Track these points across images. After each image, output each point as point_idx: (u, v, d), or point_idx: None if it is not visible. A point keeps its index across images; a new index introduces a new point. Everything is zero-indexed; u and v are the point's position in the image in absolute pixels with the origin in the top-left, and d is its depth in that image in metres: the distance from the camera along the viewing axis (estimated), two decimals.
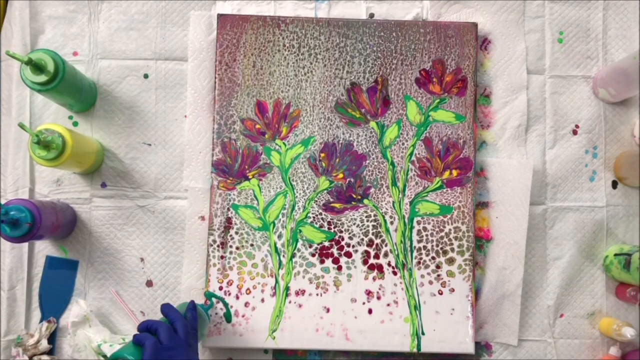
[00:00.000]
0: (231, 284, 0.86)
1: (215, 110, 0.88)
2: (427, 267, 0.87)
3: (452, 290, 0.86)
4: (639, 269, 0.82)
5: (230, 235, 0.86)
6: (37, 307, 0.87)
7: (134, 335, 0.68)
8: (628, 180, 0.90)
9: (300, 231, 0.87)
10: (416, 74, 0.89)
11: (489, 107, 0.91)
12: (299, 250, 0.87)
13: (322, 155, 0.88)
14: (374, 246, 0.87)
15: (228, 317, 0.85)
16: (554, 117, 0.91)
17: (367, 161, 0.88)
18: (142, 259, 0.88)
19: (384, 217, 0.87)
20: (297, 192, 0.87)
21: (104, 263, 0.88)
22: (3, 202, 0.81)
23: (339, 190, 0.87)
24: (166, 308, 0.74)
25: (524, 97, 0.91)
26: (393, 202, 0.87)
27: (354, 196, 0.87)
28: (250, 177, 0.87)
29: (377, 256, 0.87)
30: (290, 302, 0.86)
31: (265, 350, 0.87)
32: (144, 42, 0.91)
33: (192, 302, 0.78)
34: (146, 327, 0.70)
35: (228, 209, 0.87)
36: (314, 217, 0.87)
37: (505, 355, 0.88)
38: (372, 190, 0.87)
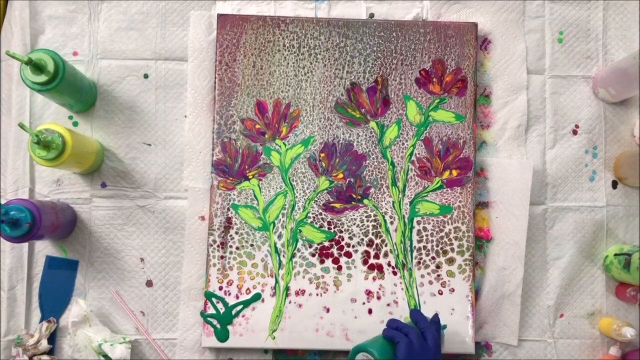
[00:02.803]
0: (231, 284, 0.86)
1: (215, 110, 0.88)
2: (427, 267, 0.87)
3: (452, 290, 0.86)
4: (639, 269, 0.82)
5: (230, 235, 0.86)
6: (37, 307, 0.87)
7: (385, 330, 0.74)
8: (628, 180, 0.90)
9: (300, 231, 0.87)
10: (416, 74, 0.89)
11: (489, 107, 0.91)
12: (299, 250, 0.87)
13: (322, 155, 0.88)
14: (374, 246, 0.87)
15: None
16: (554, 117, 0.91)
17: (367, 161, 0.88)
18: (142, 259, 0.88)
19: (384, 217, 0.87)
20: (297, 192, 0.87)
21: (104, 263, 0.88)
22: (3, 202, 0.81)
23: (339, 190, 0.87)
24: (417, 315, 0.78)
25: (524, 97, 0.91)
26: (393, 202, 0.87)
27: (354, 196, 0.87)
28: (250, 177, 0.87)
29: (377, 256, 0.87)
30: (290, 302, 0.86)
31: (265, 350, 0.87)
32: (144, 42, 0.91)
33: (437, 315, 0.81)
34: (396, 327, 0.74)
35: (228, 209, 0.87)
36: (314, 217, 0.87)
37: (505, 355, 0.88)
38: (372, 190, 0.87)
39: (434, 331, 0.76)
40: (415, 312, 0.79)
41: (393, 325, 0.76)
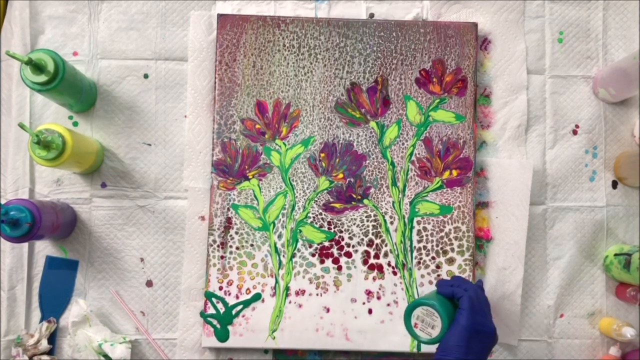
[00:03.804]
0: (231, 284, 0.86)
1: (215, 110, 0.88)
2: (427, 267, 0.87)
3: None
4: (639, 269, 0.82)
5: (230, 235, 0.86)
6: (37, 307, 0.87)
7: (440, 288, 0.75)
8: (628, 180, 0.90)
9: (300, 231, 0.87)
10: (416, 74, 0.89)
11: (489, 107, 0.91)
12: (299, 250, 0.87)
13: (322, 155, 0.88)
14: (374, 246, 0.87)
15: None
16: (554, 117, 0.91)
17: (367, 161, 0.88)
18: (142, 259, 0.88)
19: (384, 217, 0.87)
20: (297, 192, 0.87)
21: (104, 263, 0.88)
22: (3, 202, 0.81)
23: (339, 190, 0.87)
24: (462, 278, 0.78)
25: (524, 97, 0.91)
26: (393, 202, 0.87)
27: (354, 196, 0.87)
28: (250, 177, 0.87)
29: (377, 256, 0.87)
30: (290, 302, 0.86)
31: (266, 350, 0.87)
32: (144, 42, 0.91)
33: (481, 280, 0.84)
34: (452, 285, 0.74)
35: (228, 209, 0.87)
36: (314, 217, 0.87)
37: (505, 355, 0.88)
38: (372, 190, 0.87)
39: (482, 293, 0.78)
40: (459, 277, 0.80)
41: (448, 283, 0.76)
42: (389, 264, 0.87)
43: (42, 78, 0.75)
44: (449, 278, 0.85)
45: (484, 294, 0.78)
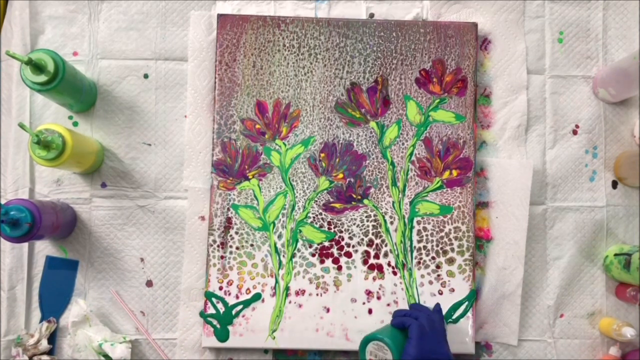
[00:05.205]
0: (231, 284, 0.86)
1: (215, 110, 0.88)
2: (427, 267, 0.87)
3: (452, 290, 0.86)
4: (639, 269, 0.82)
5: (230, 235, 0.86)
6: (37, 307, 0.87)
7: (393, 320, 0.77)
8: (628, 180, 0.90)
9: (300, 231, 0.87)
10: (416, 74, 0.89)
11: (489, 107, 0.91)
12: (299, 250, 0.87)
13: (322, 155, 0.88)
14: (374, 246, 0.87)
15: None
16: (554, 117, 0.91)
17: (367, 161, 0.88)
18: (142, 259, 0.88)
19: (384, 217, 0.87)
20: (297, 192, 0.87)
21: (104, 263, 0.88)
22: (3, 202, 0.81)
23: (339, 190, 0.87)
24: (418, 305, 0.82)
25: (524, 97, 0.91)
26: (393, 202, 0.87)
27: (354, 196, 0.87)
28: (250, 177, 0.87)
29: (377, 256, 0.87)
30: (290, 302, 0.86)
31: (266, 350, 0.87)
32: (144, 42, 0.91)
33: (438, 304, 0.84)
34: (404, 315, 0.76)
35: (228, 209, 0.87)
36: (314, 217, 0.87)
37: (505, 355, 0.88)
38: (372, 190, 0.87)
39: (440, 318, 0.80)
40: (416, 304, 0.83)
41: (400, 313, 0.78)
42: (389, 264, 0.87)
43: (42, 78, 0.75)
44: (407, 308, 0.85)
45: (440, 319, 0.79)
